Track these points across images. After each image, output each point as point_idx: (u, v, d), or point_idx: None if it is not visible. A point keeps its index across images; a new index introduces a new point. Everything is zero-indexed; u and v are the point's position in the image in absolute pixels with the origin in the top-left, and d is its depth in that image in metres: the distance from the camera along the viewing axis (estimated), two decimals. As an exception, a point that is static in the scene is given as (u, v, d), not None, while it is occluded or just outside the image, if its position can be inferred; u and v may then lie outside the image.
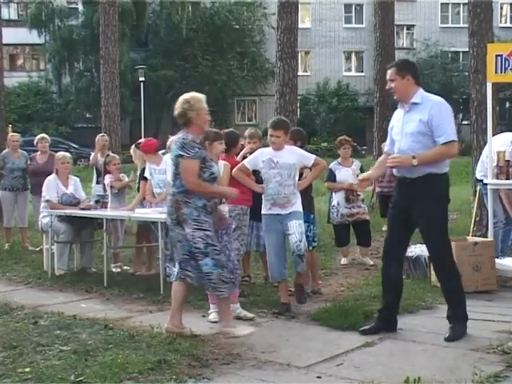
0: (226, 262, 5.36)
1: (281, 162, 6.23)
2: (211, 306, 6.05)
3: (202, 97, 5.52)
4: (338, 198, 8.79)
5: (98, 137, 11.02)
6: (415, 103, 5.32)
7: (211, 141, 5.80)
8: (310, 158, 6.42)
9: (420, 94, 5.36)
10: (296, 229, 6.18)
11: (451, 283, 5.38)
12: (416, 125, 5.25)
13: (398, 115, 5.53)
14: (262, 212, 6.40)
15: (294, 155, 6.32)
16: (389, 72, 5.43)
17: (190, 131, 5.42)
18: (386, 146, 5.72)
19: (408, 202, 5.31)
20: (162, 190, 8.18)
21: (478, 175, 8.25)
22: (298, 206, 6.32)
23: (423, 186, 5.23)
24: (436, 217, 5.30)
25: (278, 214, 6.25)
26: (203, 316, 6.09)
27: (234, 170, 6.51)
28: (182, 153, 5.29)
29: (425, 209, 5.25)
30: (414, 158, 5.17)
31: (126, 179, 8.88)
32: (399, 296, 5.59)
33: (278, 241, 6.27)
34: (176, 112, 5.47)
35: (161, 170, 8.25)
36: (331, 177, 8.76)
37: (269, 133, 6.32)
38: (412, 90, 5.35)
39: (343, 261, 8.90)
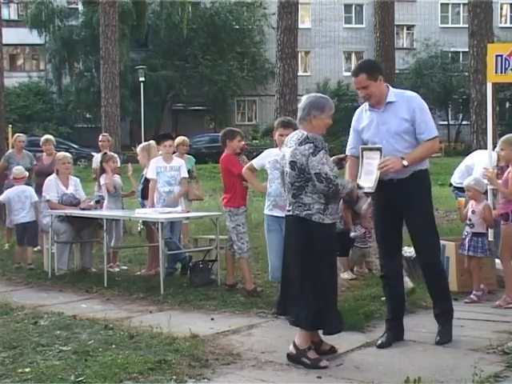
0: None
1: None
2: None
3: None
4: None
5: (102, 137, 10.68)
6: (390, 102, 5.03)
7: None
8: None
9: (392, 92, 5.08)
10: None
11: (441, 280, 5.26)
12: (399, 124, 4.98)
13: (367, 116, 5.16)
14: (264, 211, 6.38)
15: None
16: (356, 79, 4.99)
17: None
18: (350, 150, 5.30)
19: (397, 203, 5.08)
20: (171, 188, 8.06)
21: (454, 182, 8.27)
22: None
23: (412, 185, 5.04)
24: (427, 213, 5.17)
25: (278, 217, 6.18)
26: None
27: (244, 168, 6.52)
28: None
29: (416, 207, 5.09)
30: (402, 158, 4.90)
31: (119, 181, 8.82)
32: (404, 301, 5.43)
33: (279, 240, 6.17)
34: None
35: (173, 167, 8.13)
36: None
37: (278, 132, 6.22)
38: (385, 90, 5.05)
39: (345, 275, 7.71)
